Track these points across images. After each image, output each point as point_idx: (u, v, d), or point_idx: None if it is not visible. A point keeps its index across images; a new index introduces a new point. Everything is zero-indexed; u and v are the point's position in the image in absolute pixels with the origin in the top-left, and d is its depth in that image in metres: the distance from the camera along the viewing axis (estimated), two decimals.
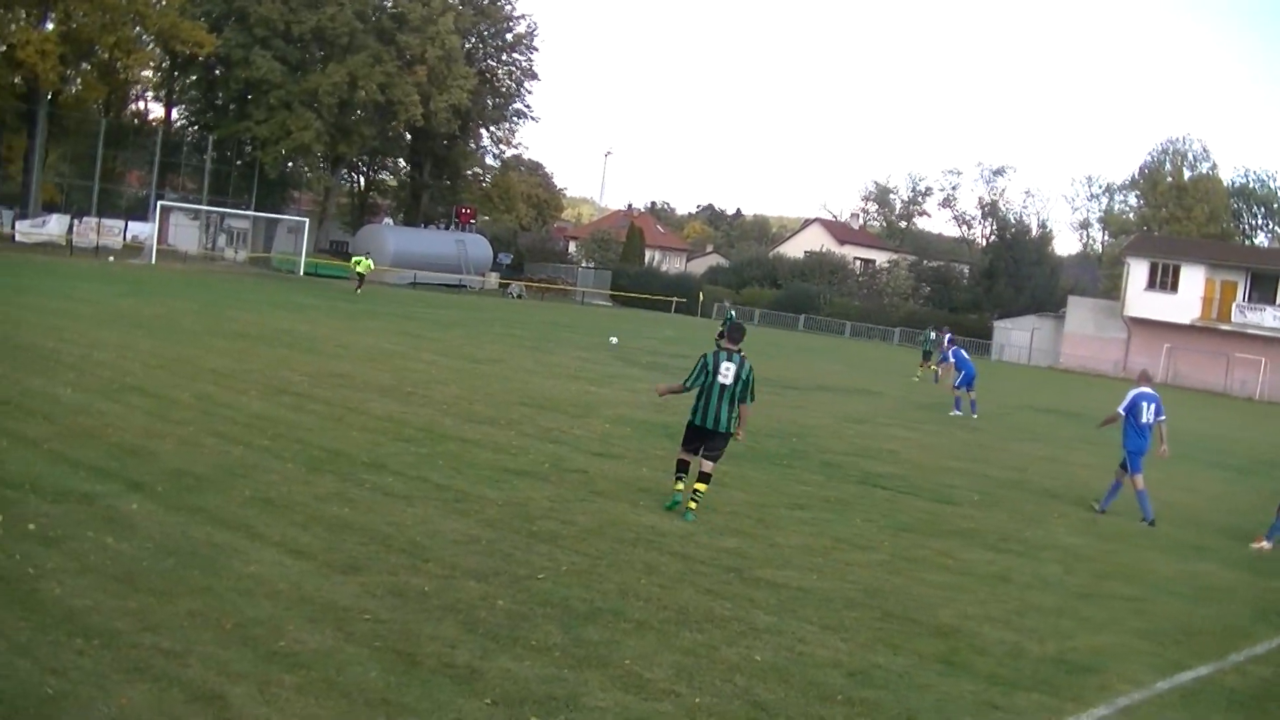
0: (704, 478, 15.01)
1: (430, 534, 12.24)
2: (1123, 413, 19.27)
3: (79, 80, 79.37)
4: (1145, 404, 19.21)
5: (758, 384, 15.38)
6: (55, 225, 72.62)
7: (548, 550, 12.24)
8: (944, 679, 9.82)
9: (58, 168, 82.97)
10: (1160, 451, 19.18)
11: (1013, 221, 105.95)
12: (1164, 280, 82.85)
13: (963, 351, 34.85)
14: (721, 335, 16.25)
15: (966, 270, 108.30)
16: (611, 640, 9.66)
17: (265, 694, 7.72)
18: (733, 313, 59.05)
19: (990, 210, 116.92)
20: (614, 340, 47.01)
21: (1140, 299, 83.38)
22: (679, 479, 15.26)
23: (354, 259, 67.13)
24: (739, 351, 15.14)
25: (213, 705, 7.46)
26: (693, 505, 14.85)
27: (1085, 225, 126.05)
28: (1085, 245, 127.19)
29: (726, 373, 14.81)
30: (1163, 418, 19.19)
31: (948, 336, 46.41)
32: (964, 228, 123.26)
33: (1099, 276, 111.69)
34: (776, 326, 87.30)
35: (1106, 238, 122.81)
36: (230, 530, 11.45)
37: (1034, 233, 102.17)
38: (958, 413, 32.78)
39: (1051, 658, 10.82)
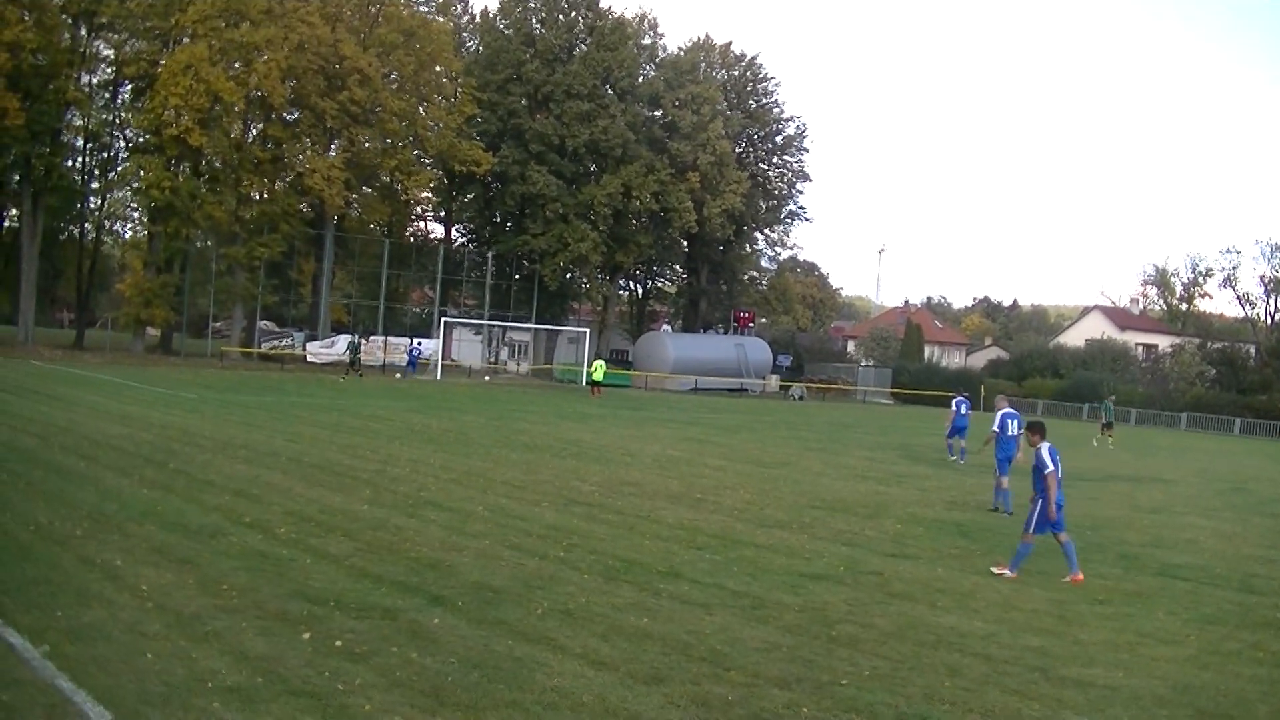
0: None
1: (730, 642, 12.07)
2: (996, 430, 24.45)
3: (362, 203, 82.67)
4: (1011, 420, 24.50)
5: None
6: (343, 345, 75.43)
7: (848, 655, 11.95)
8: None
9: (344, 289, 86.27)
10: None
11: None
12: None
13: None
14: None
15: (1253, 350, 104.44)
16: None
17: None
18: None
19: (1274, 287, 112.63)
20: None
21: None
22: None
23: (595, 365, 67.38)
24: None
25: None
26: None
27: None
28: None
29: None
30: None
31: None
32: (1247, 307, 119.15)
33: None
34: (1060, 417, 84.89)
35: None
36: (532, 643, 11.46)
37: None
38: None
39: None
